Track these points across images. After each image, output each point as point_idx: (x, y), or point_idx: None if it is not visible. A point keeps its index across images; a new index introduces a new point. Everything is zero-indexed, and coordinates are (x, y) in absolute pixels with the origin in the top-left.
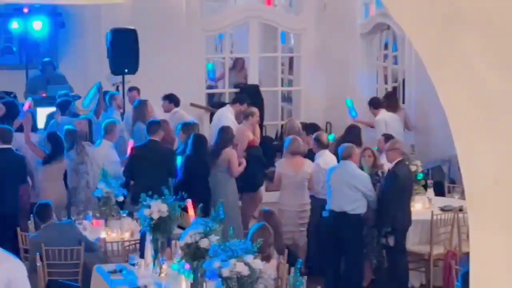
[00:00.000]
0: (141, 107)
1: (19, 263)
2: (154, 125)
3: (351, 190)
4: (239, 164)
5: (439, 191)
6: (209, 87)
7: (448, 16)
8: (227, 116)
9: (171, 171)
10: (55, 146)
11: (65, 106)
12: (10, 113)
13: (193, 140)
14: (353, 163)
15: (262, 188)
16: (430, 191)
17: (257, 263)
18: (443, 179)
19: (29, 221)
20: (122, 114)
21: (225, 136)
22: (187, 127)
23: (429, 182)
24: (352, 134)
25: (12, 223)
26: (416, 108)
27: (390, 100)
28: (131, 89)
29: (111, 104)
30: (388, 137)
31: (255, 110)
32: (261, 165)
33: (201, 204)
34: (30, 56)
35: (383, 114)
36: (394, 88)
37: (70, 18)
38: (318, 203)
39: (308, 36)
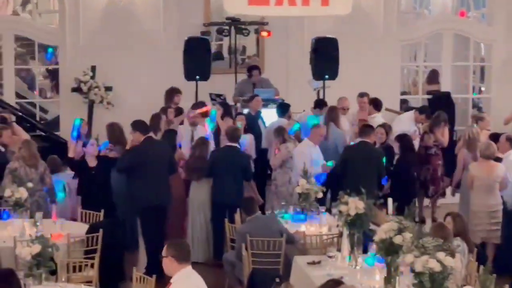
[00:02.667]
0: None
1: None
2: (367, 128)
3: None
4: None
5: None
6: (403, 93)
7: None
8: (404, 121)
9: (381, 172)
10: None
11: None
12: (226, 112)
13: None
14: None
15: None
16: None
17: (449, 260)
18: None
19: (235, 214)
20: None
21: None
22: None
23: None
24: None
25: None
26: None
27: None
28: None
29: None
30: None
31: None
32: None
33: (395, 203)
34: (238, 61)
35: None
36: None
37: (275, 26)
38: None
39: (499, 46)
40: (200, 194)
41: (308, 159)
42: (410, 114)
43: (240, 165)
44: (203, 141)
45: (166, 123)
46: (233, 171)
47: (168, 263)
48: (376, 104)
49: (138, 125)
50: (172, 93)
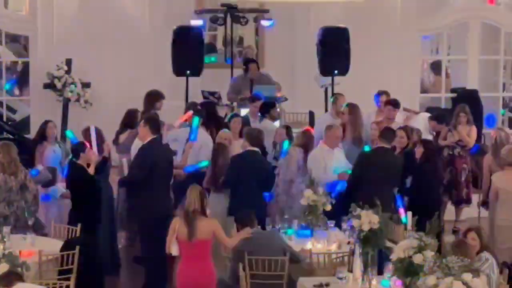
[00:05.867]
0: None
1: None
2: (389, 132)
3: None
4: None
5: None
6: (424, 91)
7: None
8: (420, 122)
9: (397, 180)
10: None
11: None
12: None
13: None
14: None
15: None
16: None
17: (476, 283)
18: None
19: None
20: None
21: None
22: None
23: None
24: None
25: None
26: None
27: None
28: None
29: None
30: None
31: None
32: None
33: (416, 217)
34: (235, 54)
35: None
36: None
37: (277, 14)
38: None
39: None
40: (218, 206)
41: (322, 165)
42: (426, 117)
43: (264, 172)
44: (223, 146)
45: None
46: (255, 179)
47: None
48: (395, 105)
49: (151, 121)
50: (154, 97)
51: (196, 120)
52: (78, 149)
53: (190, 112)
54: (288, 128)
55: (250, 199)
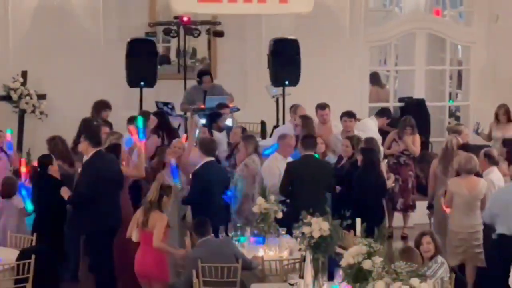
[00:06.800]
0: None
1: None
2: (309, 140)
3: None
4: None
5: None
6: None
7: None
8: (371, 128)
9: (329, 186)
10: None
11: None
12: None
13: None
14: None
15: None
16: None
17: (423, 287)
18: None
19: (186, 237)
20: None
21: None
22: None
23: None
24: None
25: None
26: None
27: None
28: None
29: None
30: None
31: None
32: None
33: (364, 223)
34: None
35: None
36: None
37: (229, 26)
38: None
39: (478, 49)
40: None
41: (276, 174)
42: (373, 121)
43: (227, 181)
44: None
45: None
46: (221, 190)
47: None
48: (350, 115)
49: (88, 135)
50: (101, 107)
51: (140, 120)
52: (45, 162)
53: (131, 127)
54: (243, 129)
55: (213, 207)
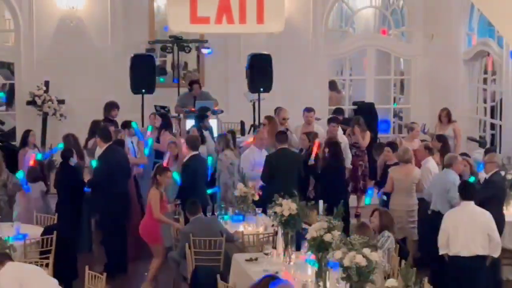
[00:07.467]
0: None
1: None
2: (283, 135)
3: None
4: None
5: None
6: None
7: None
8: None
9: (299, 172)
10: None
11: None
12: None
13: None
14: (453, 172)
15: None
16: None
17: (374, 256)
18: None
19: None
20: None
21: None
22: None
23: None
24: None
25: None
26: None
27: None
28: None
29: None
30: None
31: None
32: None
33: (325, 204)
34: (181, 76)
35: None
36: (492, 108)
37: (214, 43)
38: (425, 204)
39: (417, 62)
40: None
41: (251, 163)
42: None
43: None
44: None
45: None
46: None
47: None
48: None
49: (99, 132)
50: (111, 107)
51: (134, 124)
52: (67, 155)
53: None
54: (233, 133)
55: (199, 189)
